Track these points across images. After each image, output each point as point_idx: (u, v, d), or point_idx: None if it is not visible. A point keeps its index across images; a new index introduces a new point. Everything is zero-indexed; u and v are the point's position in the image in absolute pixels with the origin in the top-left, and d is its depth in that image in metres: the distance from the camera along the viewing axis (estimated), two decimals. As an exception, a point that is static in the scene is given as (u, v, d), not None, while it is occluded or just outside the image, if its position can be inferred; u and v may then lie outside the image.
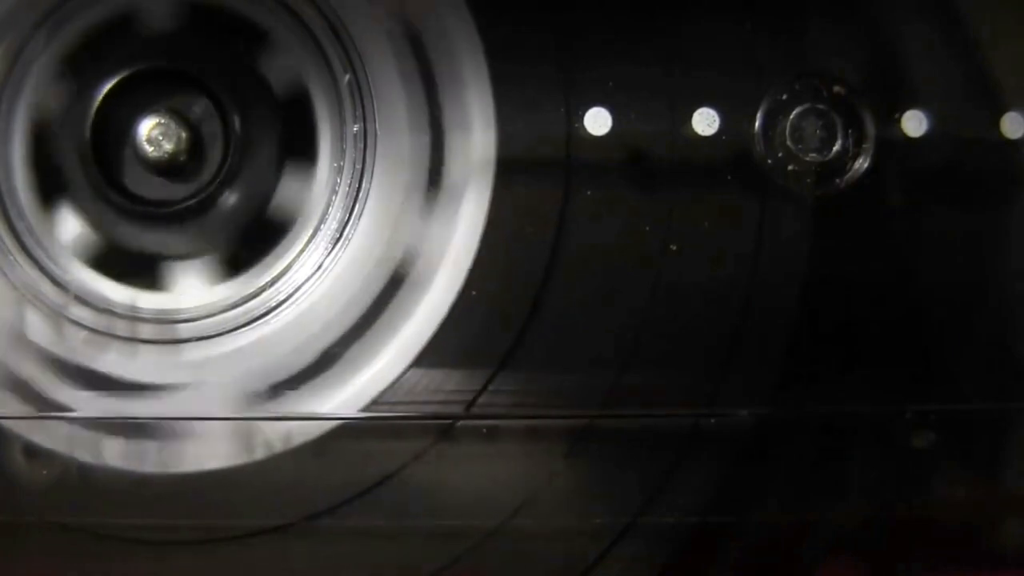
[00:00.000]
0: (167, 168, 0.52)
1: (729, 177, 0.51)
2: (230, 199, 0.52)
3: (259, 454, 0.50)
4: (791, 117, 0.51)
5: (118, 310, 0.52)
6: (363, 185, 0.51)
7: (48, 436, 0.50)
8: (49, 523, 0.50)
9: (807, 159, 0.51)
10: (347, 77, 0.52)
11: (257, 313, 0.52)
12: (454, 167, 0.51)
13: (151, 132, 0.51)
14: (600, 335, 0.51)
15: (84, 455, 0.50)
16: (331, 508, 0.51)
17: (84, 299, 0.52)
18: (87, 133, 0.51)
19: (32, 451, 0.50)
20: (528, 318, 0.51)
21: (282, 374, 0.51)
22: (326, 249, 0.52)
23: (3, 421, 0.50)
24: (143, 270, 0.52)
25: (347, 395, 0.51)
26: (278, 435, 0.50)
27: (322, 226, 0.52)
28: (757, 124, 0.51)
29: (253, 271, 0.52)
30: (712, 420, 0.51)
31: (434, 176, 0.51)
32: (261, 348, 0.51)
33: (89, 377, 0.51)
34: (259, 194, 0.52)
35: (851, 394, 0.52)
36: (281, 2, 0.52)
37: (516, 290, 0.51)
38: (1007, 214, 0.53)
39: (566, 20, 0.51)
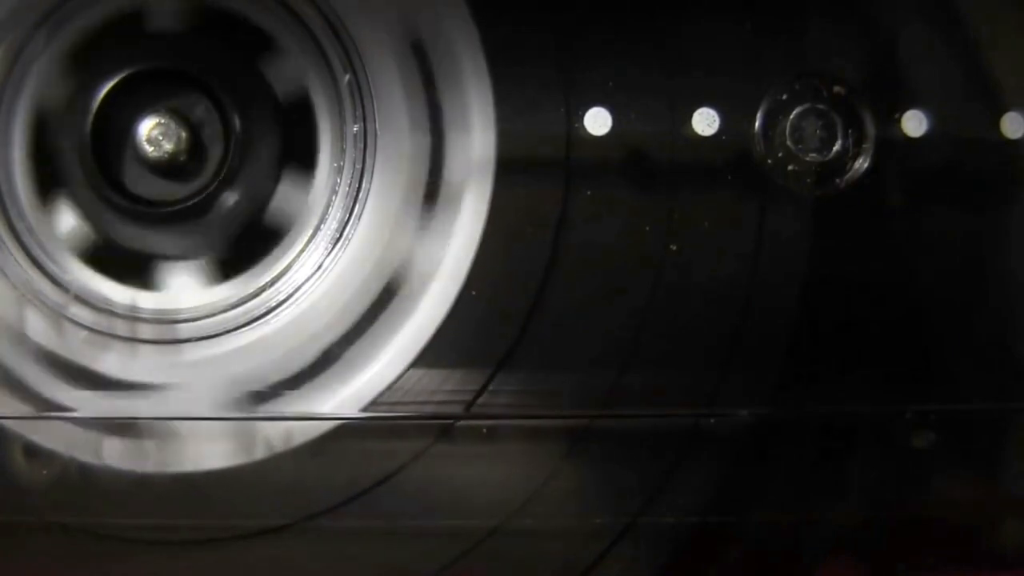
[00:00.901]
0: (167, 168, 0.52)
1: (729, 177, 0.51)
2: (230, 199, 0.52)
3: (259, 454, 0.50)
4: (791, 117, 0.51)
5: (118, 310, 0.52)
6: (363, 185, 0.51)
7: (48, 436, 0.50)
8: (49, 523, 0.50)
9: (807, 159, 0.51)
10: (347, 77, 0.52)
11: (257, 313, 0.52)
12: (454, 167, 0.51)
13: (151, 132, 0.51)
14: (600, 335, 0.51)
15: (84, 455, 0.50)
16: (331, 508, 0.51)
17: (84, 299, 0.51)
18: (87, 133, 0.51)
19: (32, 451, 0.50)
20: (528, 318, 0.51)
21: (282, 374, 0.51)
22: (326, 249, 0.52)
23: (3, 421, 0.50)
24: (143, 270, 0.52)
25: (347, 395, 0.51)
26: (278, 435, 0.50)
27: (322, 226, 0.52)
28: (757, 124, 0.51)
29: (253, 271, 0.52)
30: (712, 420, 0.51)
31: (434, 176, 0.51)
32: (261, 348, 0.51)
33: (89, 377, 0.51)
34: (259, 194, 0.52)
35: (851, 394, 0.52)
36: (281, 2, 0.52)
37: (516, 290, 0.51)
38: (1007, 214, 0.53)
39: (566, 20, 0.51)
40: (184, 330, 0.52)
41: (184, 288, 0.52)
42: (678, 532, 0.52)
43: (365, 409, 0.51)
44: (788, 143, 0.51)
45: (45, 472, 0.50)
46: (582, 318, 0.51)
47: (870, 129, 0.51)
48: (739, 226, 0.51)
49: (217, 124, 0.52)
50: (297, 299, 0.52)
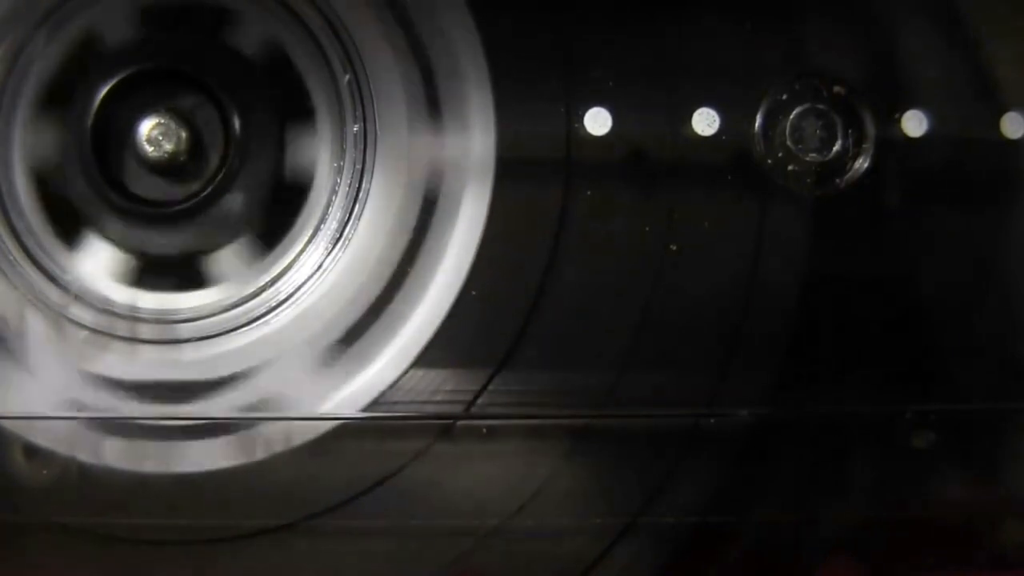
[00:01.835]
0: (167, 168, 0.52)
1: (729, 177, 0.51)
2: (230, 199, 0.52)
3: (259, 454, 0.50)
4: (791, 117, 0.51)
5: (118, 310, 0.52)
6: (363, 185, 0.51)
7: (48, 436, 0.50)
8: (49, 523, 0.50)
9: (807, 159, 0.51)
10: (347, 77, 0.52)
11: (257, 313, 0.52)
12: (454, 167, 0.51)
13: (151, 132, 0.51)
14: (600, 335, 0.51)
15: (84, 455, 0.50)
16: (331, 508, 0.51)
17: (84, 299, 0.51)
18: (87, 133, 0.51)
19: (32, 451, 0.50)
20: (528, 318, 0.51)
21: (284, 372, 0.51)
22: (326, 249, 0.52)
23: (3, 421, 0.50)
24: (142, 270, 0.52)
25: (347, 395, 0.51)
26: (278, 435, 0.50)
27: (322, 226, 0.52)
28: (757, 124, 0.51)
29: (253, 271, 0.52)
30: (712, 420, 0.51)
31: (434, 176, 0.51)
32: (261, 348, 0.51)
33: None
34: (259, 194, 0.52)
35: (851, 394, 0.52)
36: (281, 2, 0.52)
37: (516, 290, 0.51)
38: (1007, 214, 0.53)
39: (566, 20, 0.51)
40: (184, 330, 0.52)
41: (188, 285, 0.52)
42: (678, 532, 0.52)
43: (365, 409, 0.51)
44: (788, 143, 0.51)
45: (45, 472, 0.50)
46: (582, 318, 0.51)
47: (870, 129, 0.51)
48: (739, 226, 0.51)
49: (217, 124, 0.52)
50: (297, 299, 0.52)
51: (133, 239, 0.52)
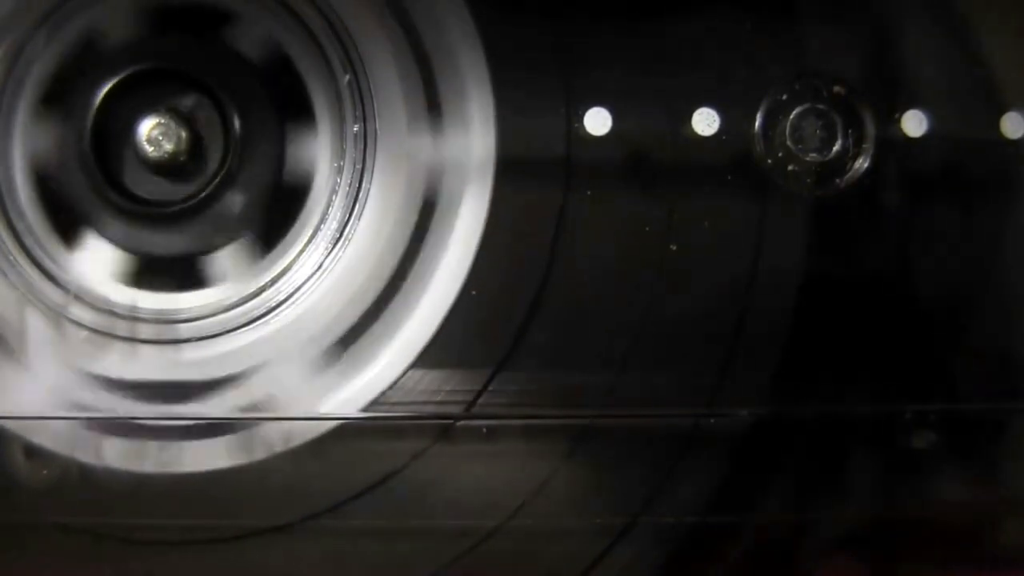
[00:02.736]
0: (167, 168, 0.52)
1: (729, 177, 0.51)
2: (230, 199, 0.52)
3: (259, 454, 0.50)
4: (791, 117, 0.51)
5: (118, 310, 0.52)
6: (363, 185, 0.51)
7: (48, 436, 0.50)
8: (49, 523, 0.50)
9: (807, 159, 0.51)
10: (347, 77, 0.52)
11: (257, 313, 0.52)
12: (454, 167, 0.51)
13: (151, 132, 0.51)
14: (600, 335, 0.51)
15: (84, 455, 0.50)
16: (331, 508, 0.51)
17: (84, 299, 0.51)
18: (87, 133, 0.51)
19: (32, 451, 0.50)
20: (528, 318, 0.51)
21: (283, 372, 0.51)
22: (326, 249, 0.52)
23: (3, 421, 0.50)
24: (142, 270, 0.52)
25: (347, 395, 0.51)
26: (278, 435, 0.50)
27: (322, 226, 0.52)
28: (757, 124, 0.51)
29: (253, 271, 0.52)
30: (712, 420, 0.51)
31: (434, 176, 0.51)
32: (261, 348, 0.51)
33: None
34: (259, 194, 0.52)
35: (851, 394, 0.52)
36: (281, 2, 0.52)
37: (516, 290, 0.51)
38: (1007, 214, 0.53)
39: (566, 20, 0.51)
40: (184, 330, 0.52)
41: (188, 284, 0.52)
42: (678, 532, 0.52)
43: (365, 409, 0.51)
44: (788, 143, 0.51)
45: (45, 472, 0.50)
46: (582, 318, 0.51)
47: (870, 129, 0.51)
48: (739, 226, 0.51)
49: (217, 124, 0.52)
50: (297, 299, 0.52)
51: (133, 239, 0.52)
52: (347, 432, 0.51)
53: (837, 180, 0.52)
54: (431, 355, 0.51)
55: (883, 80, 0.52)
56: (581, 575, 0.51)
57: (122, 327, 0.51)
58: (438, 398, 0.51)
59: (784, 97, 0.51)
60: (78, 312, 0.51)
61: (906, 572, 0.53)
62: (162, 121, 0.51)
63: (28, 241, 0.52)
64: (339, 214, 0.52)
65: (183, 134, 0.51)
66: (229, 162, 0.52)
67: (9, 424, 0.50)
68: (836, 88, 0.51)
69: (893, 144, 0.52)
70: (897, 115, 0.52)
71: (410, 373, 0.51)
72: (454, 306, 0.51)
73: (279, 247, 0.52)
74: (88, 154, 0.51)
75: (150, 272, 0.52)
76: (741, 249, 0.51)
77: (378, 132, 0.51)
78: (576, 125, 0.51)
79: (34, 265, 0.52)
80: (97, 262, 0.52)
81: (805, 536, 0.52)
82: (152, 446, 0.50)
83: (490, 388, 0.51)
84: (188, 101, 0.52)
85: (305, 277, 0.52)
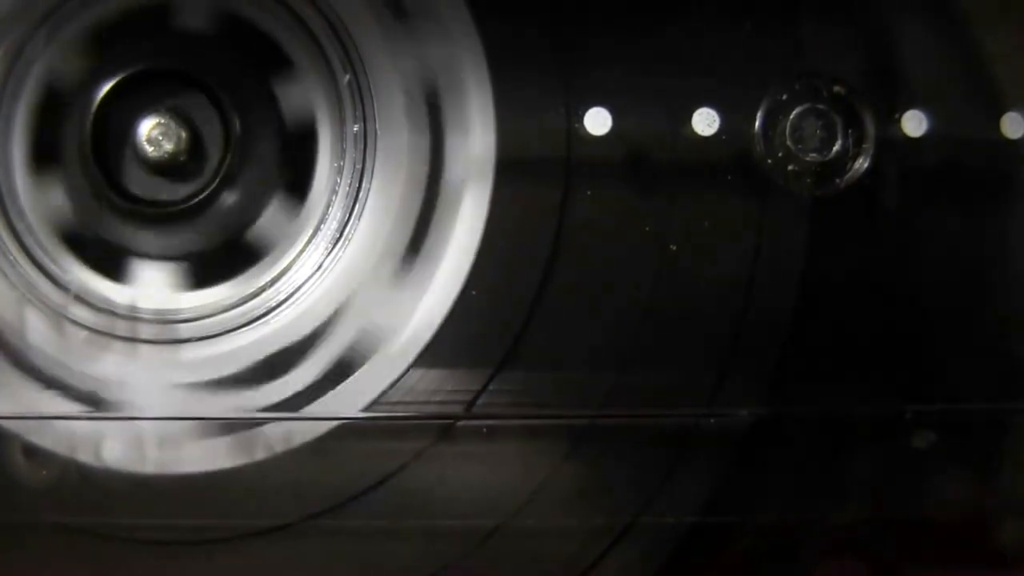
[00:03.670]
0: (167, 168, 0.52)
1: (729, 177, 0.51)
2: (230, 199, 0.52)
3: (259, 454, 0.50)
4: (791, 117, 0.51)
5: (118, 310, 0.52)
6: (363, 185, 0.51)
7: (48, 436, 0.50)
8: (49, 523, 0.50)
9: (807, 159, 0.51)
10: (347, 77, 0.52)
11: (257, 313, 0.52)
12: (454, 167, 0.51)
13: (151, 132, 0.51)
14: (600, 335, 0.51)
15: (84, 455, 0.50)
16: (331, 508, 0.51)
17: (84, 299, 0.51)
18: (87, 133, 0.51)
19: (32, 451, 0.50)
20: (528, 318, 0.51)
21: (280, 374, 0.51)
22: (326, 249, 0.52)
23: (3, 421, 0.50)
24: (142, 270, 0.52)
25: (347, 395, 0.51)
26: (278, 435, 0.50)
27: (322, 226, 0.52)
28: (757, 124, 0.51)
29: (253, 271, 0.52)
30: (712, 420, 0.51)
31: (434, 176, 0.51)
32: (261, 348, 0.51)
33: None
34: (259, 194, 0.52)
35: (851, 394, 0.52)
36: (281, 2, 0.52)
37: (516, 290, 0.51)
38: (1007, 214, 0.53)
39: (566, 20, 0.51)
40: (184, 330, 0.52)
41: (182, 288, 0.52)
42: (678, 532, 0.52)
43: (365, 409, 0.51)
44: (788, 143, 0.51)
45: (45, 472, 0.50)
46: (582, 318, 0.51)
47: (870, 129, 0.51)
48: (739, 226, 0.51)
49: (217, 124, 0.52)
50: (297, 299, 0.52)
51: (132, 239, 0.52)
52: (347, 432, 0.51)
53: (837, 180, 0.52)
54: (431, 355, 0.51)
55: (883, 80, 0.52)
56: (581, 575, 0.51)
57: (122, 327, 0.51)
58: (438, 398, 0.51)
59: (784, 97, 0.51)
60: (78, 312, 0.51)
61: (906, 572, 0.53)
62: (162, 121, 0.51)
63: (28, 241, 0.52)
64: (339, 214, 0.52)
65: (183, 134, 0.51)
66: (229, 162, 0.52)
67: (9, 424, 0.50)
68: (836, 88, 0.51)
69: (893, 144, 0.52)
70: (897, 115, 0.52)
71: (410, 373, 0.51)
72: (454, 306, 0.51)
73: (279, 247, 0.52)
74: (88, 154, 0.51)
75: (150, 272, 0.52)
76: (741, 249, 0.51)
77: (378, 132, 0.51)
78: (576, 125, 0.51)
79: (35, 266, 0.52)
80: (97, 262, 0.52)
81: (805, 536, 0.52)
82: (152, 446, 0.50)
83: (490, 388, 0.51)
84: (188, 101, 0.52)
85: (305, 277, 0.52)
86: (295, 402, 0.51)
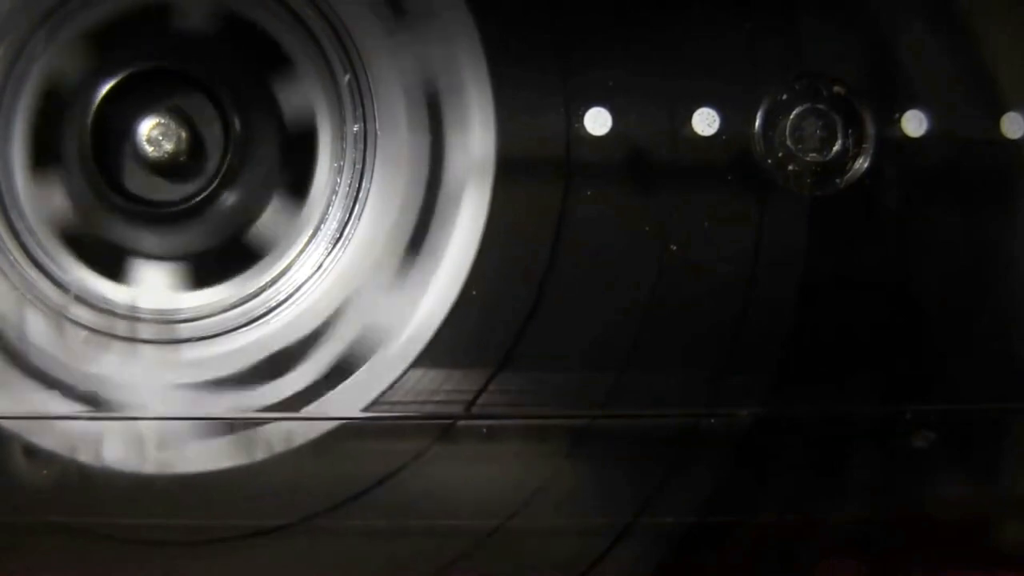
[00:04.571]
0: (167, 168, 0.52)
1: (729, 177, 0.52)
2: (230, 199, 0.52)
3: (259, 454, 0.50)
4: (791, 117, 0.51)
5: (118, 310, 0.52)
6: (363, 185, 0.52)
7: (48, 436, 0.50)
8: (49, 523, 0.50)
9: (807, 159, 0.51)
10: (347, 77, 0.52)
11: (257, 313, 0.52)
12: (454, 167, 0.51)
13: (151, 132, 0.51)
14: (600, 335, 0.51)
15: (84, 455, 0.50)
16: (331, 508, 0.51)
17: (84, 299, 0.51)
18: (87, 133, 0.51)
19: (32, 451, 0.50)
20: (528, 318, 0.51)
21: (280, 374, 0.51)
22: (326, 249, 0.52)
23: (3, 421, 0.50)
24: (142, 270, 0.52)
25: (347, 395, 0.51)
26: (278, 435, 0.50)
27: (322, 226, 0.52)
28: (757, 124, 0.51)
29: (253, 271, 0.52)
30: (712, 420, 0.51)
31: (434, 176, 0.51)
32: (261, 348, 0.51)
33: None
34: (259, 194, 0.52)
35: (851, 394, 0.52)
36: (281, 2, 0.52)
37: (516, 290, 0.51)
38: (1007, 214, 0.53)
39: (566, 20, 0.51)
40: (184, 330, 0.52)
41: (183, 288, 0.52)
42: (677, 532, 0.52)
43: (365, 409, 0.51)
44: (788, 143, 0.51)
45: (45, 472, 0.50)
46: (582, 318, 0.51)
47: (870, 129, 0.51)
48: (739, 226, 0.51)
49: (217, 124, 0.52)
50: (297, 299, 0.52)
51: (132, 239, 0.52)
52: (347, 432, 0.51)
53: (837, 180, 0.52)
54: (431, 355, 0.51)
55: (883, 80, 0.52)
56: (581, 575, 0.51)
57: (122, 327, 0.51)
58: (438, 398, 0.51)
59: (784, 97, 0.51)
60: (78, 312, 0.51)
61: (906, 572, 0.53)
62: (162, 121, 0.51)
63: (28, 241, 0.52)
64: (339, 214, 0.52)
65: (183, 134, 0.51)
66: (229, 162, 0.52)
67: (9, 424, 0.50)
68: (836, 88, 0.51)
69: (893, 144, 0.52)
70: (897, 115, 0.52)
71: (410, 373, 0.51)
72: (454, 306, 0.51)
73: (279, 247, 0.52)
74: (88, 154, 0.51)
75: (150, 272, 0.52)
76: (741, 249, 0.51)
77: (378, 132, 0.51)
78: (576, 125, 0.51)
79: (35, 266, 0.52)
80: (97, 262, 0.52)
81: (805, 536, 0.52)
82: (152, 446, 0.50)
83: (490, 388, 0.51)
84: (188, 101, 0.52)
85: (305, 277, 0.52)
86: (295, 402, 0.51)
